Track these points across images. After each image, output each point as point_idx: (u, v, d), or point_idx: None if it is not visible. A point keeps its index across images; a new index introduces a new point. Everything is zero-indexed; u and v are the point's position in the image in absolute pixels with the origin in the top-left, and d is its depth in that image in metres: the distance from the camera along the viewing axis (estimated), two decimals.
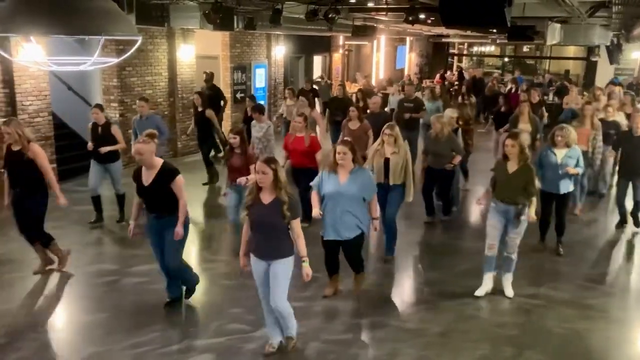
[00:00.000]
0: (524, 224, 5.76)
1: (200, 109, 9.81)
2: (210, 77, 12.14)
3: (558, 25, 11.41)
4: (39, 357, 4.77)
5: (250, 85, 14.89)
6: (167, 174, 5.11)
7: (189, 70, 12.47)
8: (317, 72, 18.91)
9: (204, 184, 10.07)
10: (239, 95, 14.54)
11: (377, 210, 5.73)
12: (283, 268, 4.47)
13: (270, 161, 4.36)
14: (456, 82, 23.76)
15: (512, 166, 5.73)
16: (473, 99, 14.71)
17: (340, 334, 5.23)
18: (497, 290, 6.05)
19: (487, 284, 5.97)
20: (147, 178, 5.09)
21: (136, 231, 5.38)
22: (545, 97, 17.35)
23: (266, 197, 4.38)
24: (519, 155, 5.68)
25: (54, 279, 6.29)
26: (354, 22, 13.38)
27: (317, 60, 19.11)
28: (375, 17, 14.09)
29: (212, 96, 11.24)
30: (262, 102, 15.10)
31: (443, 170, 7.79)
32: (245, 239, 4.62)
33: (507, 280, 6.04)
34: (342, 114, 10.85)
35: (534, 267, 6.80)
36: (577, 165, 6.80)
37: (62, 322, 5.57)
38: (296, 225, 4.44)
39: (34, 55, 6.58)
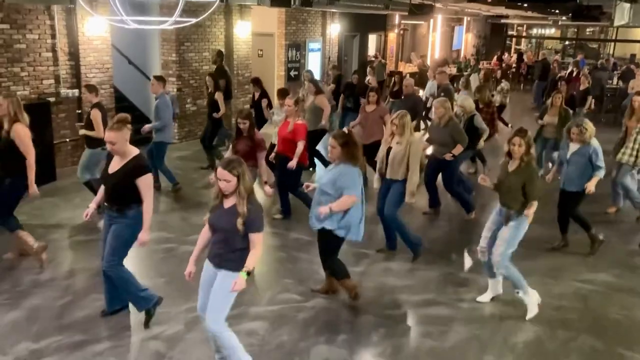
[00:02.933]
0: (514, 230, 5.07)
1: (211, 91, 9.39)
2: (219, 56, 11.28)
3: (627, 5, 10.91)
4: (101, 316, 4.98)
5: (304, 64, 14.91)
6: (137, 167, 4.47)
7: (245, 47, 12.59)
8: (371, 51, 18.75)
9: (202, 168, 9.48)
10: (292, 74, 14.60)
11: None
12: (226, 283, 3.83)
13: (233, 167, 3.72)
14: (514, 65, 23.14)
15: (513, 164, 5.12)
16: (506, 85, 13.53)
17: (392, 309, 5.26)
18: (551, 274, 5.97)
19: (492, 289, 5.43)
20: (115, 165, 4.53)
21: (93, 213, 4.77)
22: (609, 82, 16.71)
23: (228, 202, 3.84)
24: (523, 155, 5.02)
25: None
26: (411, 1, 13.17)
27: (372, 39, 18.93)
28: None
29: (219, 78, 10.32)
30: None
31: (444, 160, 7.22)
32: (199, 243, 4.11)
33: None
34: (354, 100, 10.75)
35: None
36: (591, 162, 6.19)
37: None
38: (255, 238, 3.82)
39: (116, 14, 6.03)
